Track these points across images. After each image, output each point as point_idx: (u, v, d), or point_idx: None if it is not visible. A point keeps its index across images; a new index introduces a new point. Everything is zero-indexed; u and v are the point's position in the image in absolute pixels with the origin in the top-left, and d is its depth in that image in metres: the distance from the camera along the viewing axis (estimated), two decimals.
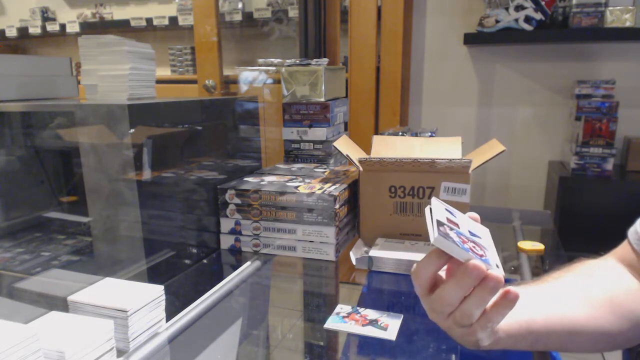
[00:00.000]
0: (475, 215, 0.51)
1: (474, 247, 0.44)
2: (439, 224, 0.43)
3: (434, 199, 0.47)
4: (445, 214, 0.46)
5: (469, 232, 0.46)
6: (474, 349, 0.50)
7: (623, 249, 0.64)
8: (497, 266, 0.44)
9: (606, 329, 0.55)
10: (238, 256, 0.93)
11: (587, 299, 0.56)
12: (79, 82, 1.01)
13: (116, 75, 0.91)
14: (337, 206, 0.86)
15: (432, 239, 0.42)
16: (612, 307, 0.56)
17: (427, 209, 0.45)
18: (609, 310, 0.55)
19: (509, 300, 0.44)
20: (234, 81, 2.50)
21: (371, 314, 0.68)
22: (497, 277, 0.43)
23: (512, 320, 0.50)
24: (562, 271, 0.61)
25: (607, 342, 0.56)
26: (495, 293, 0.44)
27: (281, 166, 1.15)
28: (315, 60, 1.21)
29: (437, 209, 0.45)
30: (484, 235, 0.49)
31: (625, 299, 0.57)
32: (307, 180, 0.97)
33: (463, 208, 0.85)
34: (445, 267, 0.47)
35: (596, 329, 0.55)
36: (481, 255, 0.43)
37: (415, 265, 0.47)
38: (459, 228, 0.46)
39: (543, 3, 1.91)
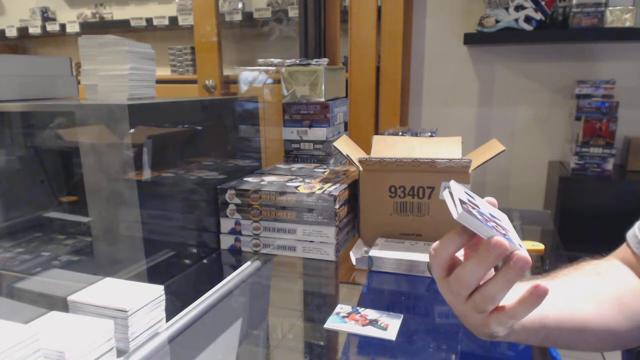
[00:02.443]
0: (493, 200, 0.48)
1: (496, 226, 0.43)
2: (462, 202, 0.42)
3: (452, 182, 0.46)
4: (466, 196, 0.45)
5: (490, 214, 0.46)
6: (487, 339, 0.49)
7: (623, 251, 0.64)
8: (521, 246, 0.43)
9: (614, 328, 0.55)
10: (238, 256, 0.93)
11: (596, 297, 0.56)
12: (79, 82, 1.01)
13: (116, 75, 0.91)
14: (337, 206, 0.86)
15: (455, 215, 0.41)
16: (620, 307, 0.56)
17: (445, 191, 0.44)
18: (617, 310, 0.56)
19: (537, 296, 0.42)
20: (234, 81, 2.50)
21: (371, 314, 0.68)
22: (525, 257, 0.41)
23: None
24: (570, 269, 0.60)
25: (614, 341, 0.56)
26: (522, 275, 0.41)
27: (281, 166, 1.15)
28: (315, 60, 1.21)
29: (456, 191, 0.44)
30: (504, 219, 0.48)
31: (632, 300, 0.57)
32: (307, 180, 0.97)
33: None
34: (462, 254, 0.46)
35: (604, 327, 0.55)
36: (504, 234, 0.42)
37: (434, 244, 0.45)
38: (479, 208, 0.45)
39: (543, 3, 1.91)
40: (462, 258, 0.47)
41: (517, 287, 0.43)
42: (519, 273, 0.41)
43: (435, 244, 0.45)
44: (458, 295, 0.45)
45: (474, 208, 0.43)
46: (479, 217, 0.42)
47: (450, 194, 0.44)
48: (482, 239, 0.42)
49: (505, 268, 0.42)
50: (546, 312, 0.51)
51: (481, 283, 0.44)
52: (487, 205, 0.47)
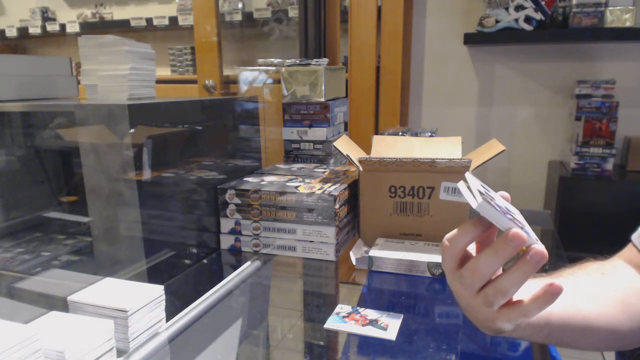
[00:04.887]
0: (507, 194, 0.48)
1: (513, 219, 0.43)
2: (480, 193, 0.42)
3: (468, 174, 0.45)
4: (482, 188, 0.45)
5: (505, 207, 0.45)
6: (491, 334, 0.49)
7: (629, 252, 0.64)
8: (537, 240, 0.42)
9: (617, 328, 0.55)
10: (238, 256, 0.93)
11: (600, 297, 0.56)
12: (79, 82, 1.01)
13: (116, 75, 0.91)
14: (337, 206, 0.86)
15: (474, 205, 0.41)
16: (624, 307, 0.56)
17: (460, 183, 0.44)
18: (620, 310, 0.56)
19: (551, 294, 0.41)
20: (234, 81, 2.50)
21: (371, 314, 0.68)
22: (542, 251, 0.40)
23: None
24: (575, 269, 0.60)
25: (616, 341, 0.57)
26: (538, 269, 0.41)
27: (281, 166, 1.15)
28: (315, 60, 1.21)
29: (473, 182, 0.44)
30: (517, 214, 0.47)
31: (636, 300, 0.57)
32: (307, 180, 0.97)
33: (463, 208, 0.85)
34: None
35: (607, 327, 0.55)
36: (520, 227, 0.42)
37: (448, 235, 0.45)
38: (495, 201, 0.45)
39: (543, 3, 1.91)
40: (473, 253, 0.47)
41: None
42: (534, 267, 0.41)
43: (450, 234, 0.45)
44: (470, 287, 0.44)
45: (491, 199, 0.43)
46: (497, 208, 0.42)
47: (467, 185, 0.43)
48: (494, 233, 0.42)
49: (521, 261, 0.41)
50: (551, 309, 0.51)
51: (492, 278, 0.44)
52: (501, 199, 0.47)
